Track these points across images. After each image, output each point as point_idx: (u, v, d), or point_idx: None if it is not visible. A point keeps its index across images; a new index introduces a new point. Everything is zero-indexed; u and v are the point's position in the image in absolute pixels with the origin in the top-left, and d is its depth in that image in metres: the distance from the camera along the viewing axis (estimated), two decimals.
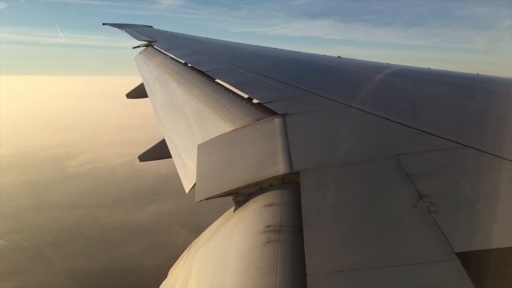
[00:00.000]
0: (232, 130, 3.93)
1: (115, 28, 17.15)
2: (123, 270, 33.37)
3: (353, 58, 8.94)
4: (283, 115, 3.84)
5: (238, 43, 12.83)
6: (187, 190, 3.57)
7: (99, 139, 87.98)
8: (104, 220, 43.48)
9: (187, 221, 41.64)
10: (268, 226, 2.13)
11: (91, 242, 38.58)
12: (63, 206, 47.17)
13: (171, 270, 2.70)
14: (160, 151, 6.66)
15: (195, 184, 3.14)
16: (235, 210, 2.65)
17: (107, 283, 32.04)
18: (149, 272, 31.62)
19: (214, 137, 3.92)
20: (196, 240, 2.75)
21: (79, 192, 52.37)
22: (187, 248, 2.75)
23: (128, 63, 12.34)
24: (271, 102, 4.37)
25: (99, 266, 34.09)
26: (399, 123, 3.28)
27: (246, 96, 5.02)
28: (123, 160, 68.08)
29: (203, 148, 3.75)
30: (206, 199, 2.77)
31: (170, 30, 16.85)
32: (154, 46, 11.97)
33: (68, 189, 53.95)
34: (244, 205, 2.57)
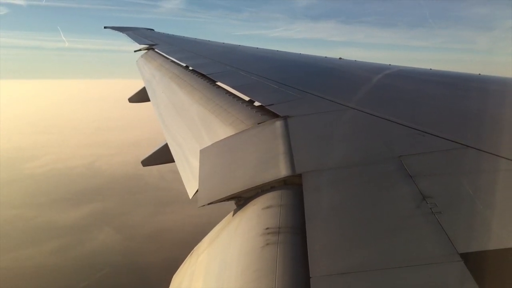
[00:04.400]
0: (234, 134, 3.94)
1: (117, 32, 17.23)
2: (20, 270, 33.53)
3: (355, 59, 8.95)
4: (285, 118, 3.84)
5: (239, 45, 12.85)
6: (190, 195, 3.58)
7: (71, 141, 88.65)
8: (34, 220, 43.82)
9: (115, 220, 42.51)
10: (267, 228, 2.13)
11: (6, 241, 38.63)
12: (1, 206, 47.30)
13: (174, 276, 2.71)
14: (163, 155, 6.67)
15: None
16: (234, 213, 2.66)
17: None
18: (42, 272, 32.08)
19: (216, 142, 3.92)
20: (198, 245, 2.76)
21: (24, 193, 52.76)
22: (190, 254, 2.76)
23: (131, 66, 12.43)
24: (272, 104, 4.37)
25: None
26: (402, 124, 3.28)
27: (247, 98, 5.03)
28: (84, 162, 68.87)
29: (205, 153, 3.75)
30: (209, 204, 2.77)
31: (172, 33, 16.91)
32: (156, 50, 12.01)
33: (15, 190, 54.38)
34: (243, 208, 2.58)
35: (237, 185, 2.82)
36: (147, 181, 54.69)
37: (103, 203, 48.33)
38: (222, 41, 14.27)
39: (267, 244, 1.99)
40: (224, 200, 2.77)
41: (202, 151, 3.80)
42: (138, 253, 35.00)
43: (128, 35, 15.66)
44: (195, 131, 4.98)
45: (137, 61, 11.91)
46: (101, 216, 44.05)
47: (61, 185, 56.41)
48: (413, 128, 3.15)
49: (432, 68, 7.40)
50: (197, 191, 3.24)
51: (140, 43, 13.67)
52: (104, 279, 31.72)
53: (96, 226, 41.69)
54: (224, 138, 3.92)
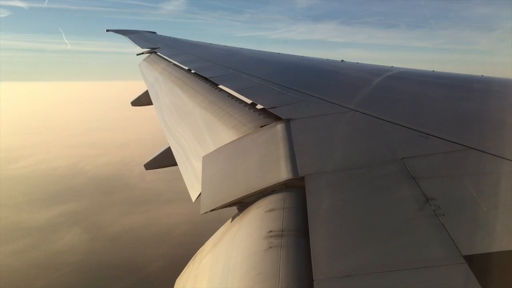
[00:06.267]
0: (237, 139, 3.93)
1: (119, 34, 17.28)
2: None
3: (356, 61, 8.95)
4: (288, 120, 3.84)
5: (241, 48, 12.87)
6: (193, 198, 3.59)
7: (59, 142, 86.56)
8: (3, 220, 42.94)
9: (85, 220, 41.92)
10: (270, 231, 2.13)
11: None
12: None
13: (177, 279, 2.71)
14: (165, 159, 6.68)
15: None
16: (237, 216, 2.66)
17: None
18: None
19: (219, 148, 3.92)
20: (201, 248, 2.76)
21: (0, 194, 51.54)
22: (193, 257, 2.76)
23: (133, 68, 12.47)
24: (275, 107, 4.37)
25: None
26: (404, 126, 3.28)
27: (250, 101, 5.03)
28: (68, 162, 67.63)
29: (208, 160, 3.75)
30: (211, 210, 2.78)
31: (173, 35, 16.96)
32: (158, 53, 12.05)
33: None
34: (246, 211, 2.58)
35: (240, 191, 2.82)
36: (127, 181, 53.64)
37: (77, 204, 47.56)
38: (223, 43, 14.32)
39: (270, 247, 1.99)
40: (226, 206, 2.77)
41: (205, 158, 3.79)
42: (100, 253, 34.62)
43: (130, 38, 15.71)
44: (198, 134, 4.98)
45: (139, 64, 11.95)
46: (72, 216, 43.37)
47: (40, 185, 55.31)
48: (416, 130, 3.15)
49: (434, 69, 7.40)
50: (199, 194, 3.24)
51: (142, 47, 13.72)
52: (62, 279, 31.27)
53: (66, 226, 41.02)
54: (227, 144, 3.92)
